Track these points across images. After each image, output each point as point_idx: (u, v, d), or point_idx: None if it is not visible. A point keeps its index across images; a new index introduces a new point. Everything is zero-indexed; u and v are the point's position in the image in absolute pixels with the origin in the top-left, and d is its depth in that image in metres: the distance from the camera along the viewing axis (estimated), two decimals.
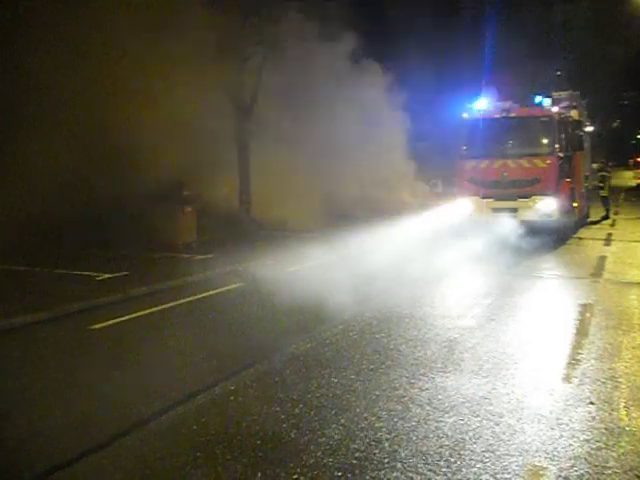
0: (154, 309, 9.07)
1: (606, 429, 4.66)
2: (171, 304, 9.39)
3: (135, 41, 15.78)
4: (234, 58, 16.06)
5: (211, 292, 10.26)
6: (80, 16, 14.59)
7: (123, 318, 8.51)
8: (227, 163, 18.27)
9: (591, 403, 5.15)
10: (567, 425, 4.74)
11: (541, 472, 4.11)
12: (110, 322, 8.30)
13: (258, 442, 4.58)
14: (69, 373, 6.39)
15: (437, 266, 12.40)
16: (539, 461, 4.23)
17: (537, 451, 4.35)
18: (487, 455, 4.31)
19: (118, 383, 6.00)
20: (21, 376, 6.31)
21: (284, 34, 16.15)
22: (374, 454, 4.37)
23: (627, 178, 49.93)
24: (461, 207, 15.84)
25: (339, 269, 12.60)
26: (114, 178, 16.81)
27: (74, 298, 9.37)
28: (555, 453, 4.32)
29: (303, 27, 16.41)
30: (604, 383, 5.60)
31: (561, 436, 4.56)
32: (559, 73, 32.03)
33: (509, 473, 4.07)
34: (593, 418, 4.86)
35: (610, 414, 4.93)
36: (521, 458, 4.26)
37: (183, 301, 9.62)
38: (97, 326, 8.12)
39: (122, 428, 4.90)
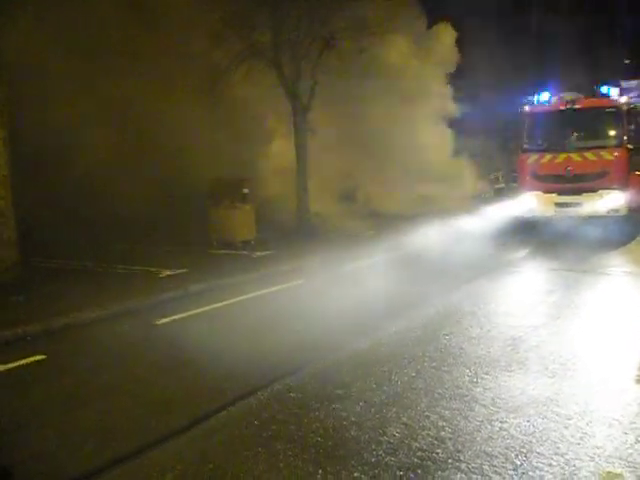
0: (214, 305, 9.20)
1: None
2: (231, 300, 9.51)
3: (191, 38, 16.08)
4: (291, 57, 16.14)
5: (271, 289, 10.33)
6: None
7: (185, 314, 8.67)
8: (286, 162, 18.43)
9: None
10: None
11: (616, 479, 3.92)
12: (173, 318, 8.48)
13: (319, 439, 4.57)
14: (134, 367, 6.55)
15: (501, 262, 12.15)
16: (613, 467, 4.04)
17: (610, 456, 4.16)
18: (555, 459, 4.16)
19: (179, 378, 6.11)
20: (96, 367, 6.53)
21: (340, 30, 16.06)
22: (437, 454, 4.29)
23: None
24: (524, 203, 15.43)
25: (397, 267, 12.50)
26: (174, 176, 17.25)
27: (138, 294, 9.62)
28: (631, 459, 4.10)
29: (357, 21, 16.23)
30: None
31: (637, 441, 4.34)
32: (628, 61, 30.75)
33: (580, 479, 3.91)
34: None
35: None
36: (592, 463, 4.08)
37: (243, 298, 9.72)
38: (161, 322, 8.31)
39: (184, 423, 4.98)
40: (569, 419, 4.75)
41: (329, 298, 9.65)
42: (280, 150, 19.39)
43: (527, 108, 15.80)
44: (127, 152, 16.42)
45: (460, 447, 4.36)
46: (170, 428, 4.90)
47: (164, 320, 8.36)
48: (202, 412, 5.16)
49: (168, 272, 11.44)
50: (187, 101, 17.80)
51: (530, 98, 15.96)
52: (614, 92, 14.96)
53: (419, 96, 23.03)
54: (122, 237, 15.05)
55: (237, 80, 16.05)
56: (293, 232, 16.69)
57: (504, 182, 27.33)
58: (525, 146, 15.60)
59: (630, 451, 4.22)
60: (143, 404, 5.48)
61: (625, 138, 14.32)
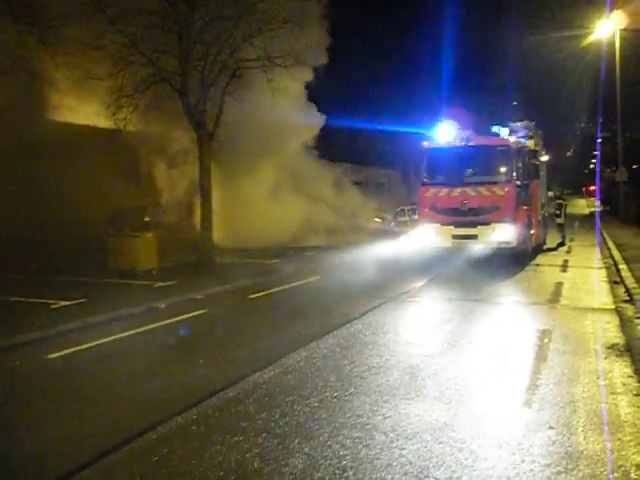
0: (113, 337, 8.88)
1: (566, 453, 4.74)
2: (131, 332, 9.22)
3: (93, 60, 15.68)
4: (198, 85, 16.10)
5: (173, 319, 10.11)
6: None
7: (80, 347, 8.31)
8: (189, 189, 18.26)
9: (551, 428, 5.24)
10: (528, 450, 4.80)
11: None
12: (67, 351, 8.10)
13: (221, 473, 4.51)
14: (20, 403, 6.19)
15: (400, 292, 12.54)
16: None
17: (499, 477, 4.39)
18: None
19: (72, 414, 5.83)
20: None
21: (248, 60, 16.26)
22: None
23: (581, 206, 51.46)
24: (423, 234, 16.06)
25: (299, 296, 12.66)
26: (71, 203, 16.64)
27: (31, 326, 9.12)
28: (517, 479, 4.36)
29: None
30: (563, 408, 5.70)
31: (523, 461, 4.62)
32: (515, 103, 33.06)
33: None
34: (553, 443, 4.94)
35: (569, 438, 5.02)
36: None
37: (144, 329, 9.45)
38: (53, 355, 7.92)
39: (81, 461, 4.76)
40: (463, 443, 4.96)
41: (231, 328, 9.60)
42: (185, 179, 19.21)
43: (425, 144, 16.58)
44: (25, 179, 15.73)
45: (361, 475, 4.44)
46: (64, 468, 4.66)
47: (57, 354, 7.97)
48: (98, 450, 4.95)
49: (65, 303, 10.94)
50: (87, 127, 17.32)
51: (429, 134, 16.76)
52: (504, 132, 16.03)
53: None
54: (14, 266, 14.26)
55: (142, 106, 15.79)
56: (196, 261, 16.48)
57: (408, 215, 28.46)
58: (424, 180, 16.31)
59: (517, 471, 4.48)
60: (29, 444, 5.18)
61: (514, 175, 15.33)
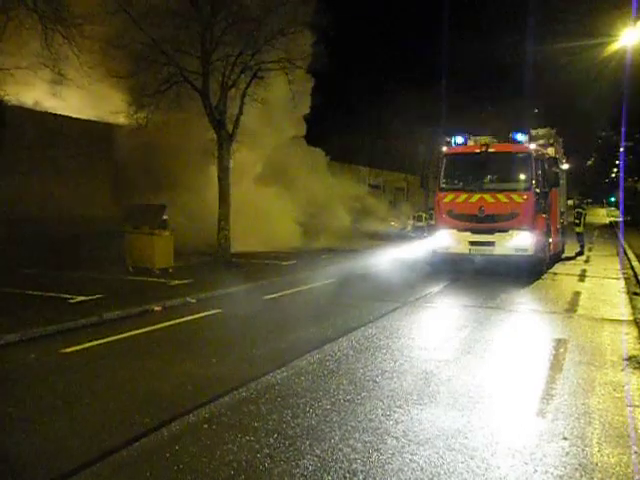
0: (129, 334, 8.95)
1: (579, 465, 4.68)
2: (147, 329, 9.28)
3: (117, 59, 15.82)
4: (219, 86, 16.20)
5: (188, 318, 10.17)
6: None
7: (96, 342, 8.38)
8: (207, 189, 18.35)
9: (564, 438, 5.18)
10: (541, 460, 4.75)
11: None
12: (83, 346, 8.17)
13: (231, 472, 4.52)
14: (34, 397, 6.25)
15: (416, 297, 12.49)
16: None
17: None
18: None
19: (85, 409, 5.88)
20: None
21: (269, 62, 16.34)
22: None
23: (601, 215, 50.82)
24: (440, 240, 16.00)
25: (316, 299, 12.65)
26: (91, 200, 16.81)
27: (46, 320, 9.21)
28: None
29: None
30: (577, 419, 5.64)
31: (535, 471, 4.57)
32: (537, 110, 32.82)
33: None
34: (567, 454, 4.88)
35: (583, 450, 4.95)
36: None
37: (159, 326, 9.51)
38: (68, 350, 7.99)
39: (91, 456, 4.79)
40: (475, 451, 4.92)
41: (246, 328, 9.62)
42: (204, 178, 19.31)
43: (445, 149, 16.52)
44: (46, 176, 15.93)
45: (371, 479, 4.42)
46: (75, 463, 4.69)
47: (73, 348, 8.04)
48: (110, 446, 4.98)
49: (82, 298, 11.04)
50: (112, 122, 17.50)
51: (448, 140, 16.71)
52: (524, 139, 15.92)
53: None
54: (32, 262, 14.42)
55: (163, 106, 15.93)
56: (212, 261, 16.57)
57: (426, 220, 28.44)
58: (442, 185, 16.25)
59: None
60: (45, 434, 5.23)
61: (533, 182, 15.22)
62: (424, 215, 29.53)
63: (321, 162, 26.60)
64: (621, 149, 46.75)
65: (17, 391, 6.47)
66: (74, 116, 18.30)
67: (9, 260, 14.02)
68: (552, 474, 4.52)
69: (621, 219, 39.20)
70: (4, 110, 14.77)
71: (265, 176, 21.58)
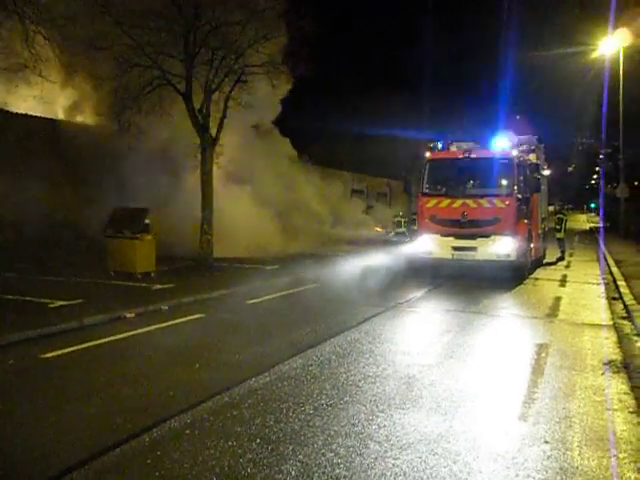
0: (109, 338, 8.85)
1: (560, 469, 4.71)
2: (127, 334, 9.18)
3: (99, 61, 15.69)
4: (203, 89, 16.14)
5: (169, 323, 10.08)
6: None
7: (76, 347, 8.28)
8: (189, 195, 18.24)
9: (546, 442, 5.21)
10: (522, 464, 4.77)
11: None
12: (62, 351, 8.06)
13: (214, 478, 4.48)
14: (12, 403, 6.16)
15: (399, 302, 12.52)
16: None
17: None
18: None
19: (65, 415, 5.80)
20: None
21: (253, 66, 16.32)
22: None
23: (582, 221, 51.40)
24: (422, 245, 16.06)
25: (297, 303, 12.63)
26: (72, 203, 16.63)
27: (25, 325, 9.09)
28: None
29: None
30: (558, 422, 5.68)
31: (517, 475, 4.59)
32: (518, 117, 33.16)
33: None
34: (548, 457, 4.91)
35: (564, 453, 4.99)
36: None
37: (140, 331, 9.42)
38: (48, 355, 7.88)
39: (72, 462, 4.72)
40: (458, 455, 4.94)
41: (229, 332, 9.58)
42: (186, 182, 19.20)
43: (428, 154, 16.61)
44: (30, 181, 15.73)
45: None
46: (56, 470, 4.62)
47: (53, 353, 7.94)
48: (90, 451, 4.92)
49: (61, 302, 10.91)
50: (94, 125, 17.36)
51: (431, 145, 16.81)
52: (507, 145, 16.06)
53: None
54: (11, 266, 14.23)
55: (146, 109, 15.81)
56: (195, 265, 16.48)
57: (406, 225, 28.53)
58: (425, 190, 16.33)
59: None
60: (25, 440, 5.14)
61: (515, 188, 15.35)
62: (403, 220, 29.65)
63: (289, 153, 26.00)
64: (601, 156, 47.39)
65: None
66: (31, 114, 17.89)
67: None
68: (534, 478, 4.55)
69: (601, 225, 39.72)
70: None
71: (238, 177, 21.39)
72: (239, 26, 15.44)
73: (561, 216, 24.28)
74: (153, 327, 9.70)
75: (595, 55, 31.75)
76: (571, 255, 24.13)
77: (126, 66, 15.19)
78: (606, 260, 21.29)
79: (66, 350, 8.11)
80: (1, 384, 6.82)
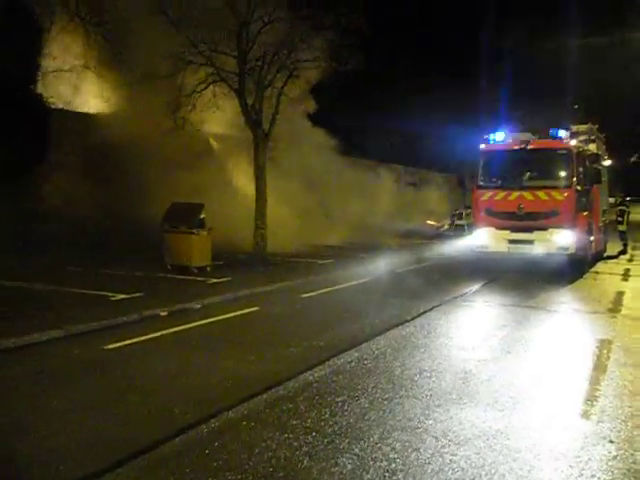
0: (168, 331, 9.05)
1: (628, 470, 4.54)
2: (186, 326, 9.37)
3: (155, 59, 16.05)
4: (255, 85, 16.28)
5: (226, 315, 10.24)
6: None
7: (137, 339, 8.50)
8: (241, 190, 18.46)
9: (611, 442, 5.04)
10: (586, 464, 4.63)
11: None
12: (124, 342, 8.30)
13: (270, 469, 4.53)
14: (78, 392, 6.38)
15: (454, 296, 12.35)
16: None
17: None
18: None
19: (128, 404, 5.97)
20: (33, 393, 6.31)
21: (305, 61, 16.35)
22: None
23: None
24: (478, 238, 15.79)
25: (353, 297, 12.61)
26: (127, 198, 17.07)
27: (89, 317, 9.40)
28: None
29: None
30: (624, 422, 5.48)
31: (580, 475, 4.45)
32: (577, 106, 32.13)
33: None
34: (614, 457, 4.74)
35: (632, 454, 4.80)
36: None
37: (198, 324, 9.61)
38: (111, 346, 8.13)
39: (132, 450, 4.85)
40: (518, 452, 4.83)
41: (283, 326, 9.66)
42: (240, 178, 19.44)
43: (483, 146, 16.27)
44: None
45: (410, 479, 4.38)
46: (116, 458, 4.75)
47: (115, 345, 8.18)
48: (150, 441, 5.04)
49: (122, 296, 11.23)
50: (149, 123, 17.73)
51: (486, 137, 16.46)
52: (565, 135, 15.58)
53: None
54: (74, 260, 14.72)
55: (200, 105, 16.08)
56: (249, 259, 16.66)
57: (467, 217, 28.02)
58: (480, 183, 16.02)
59: None
60: (87, 431, 5.32)
61: (574, 179, 14.88)
62: (464, 212, 29.12)
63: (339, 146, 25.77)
64: None
65: (61, 386, 6.60)
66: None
67: (55, 258, 14.35)
68: (599, 478, 4.40)
69: None
70: (50, 113, 15.11)
71: (291, 173, 21.46)
72: (290, 22, 15.50)
73: (623, 208, 23.40)
74: (209, 320, 9.86)
75: None
76: (634, 249, 23.23)
77: (181, 64, 15.48)
78: None
79: (128, 342, 8.34)
80: (67, 373, 7.07)
